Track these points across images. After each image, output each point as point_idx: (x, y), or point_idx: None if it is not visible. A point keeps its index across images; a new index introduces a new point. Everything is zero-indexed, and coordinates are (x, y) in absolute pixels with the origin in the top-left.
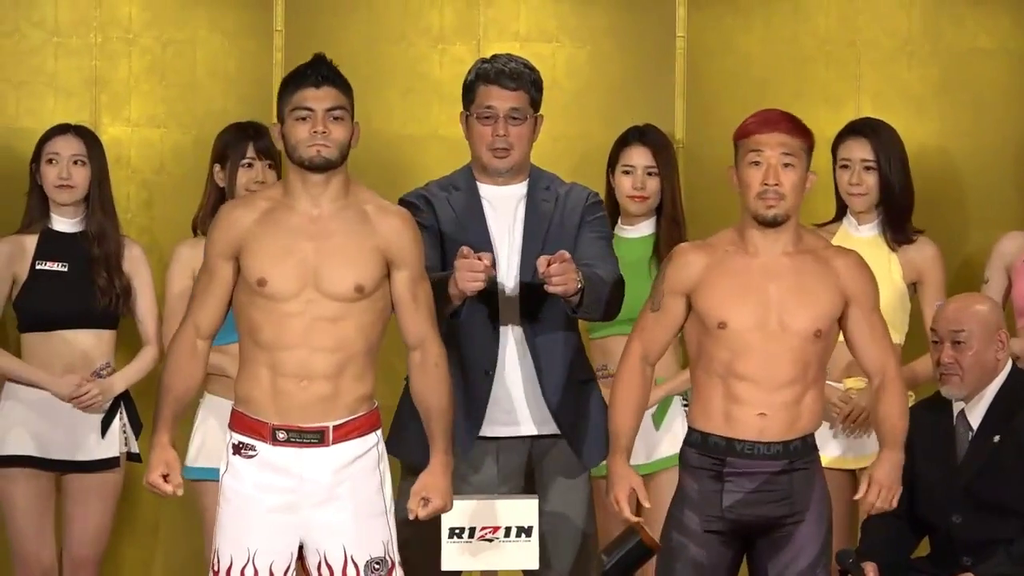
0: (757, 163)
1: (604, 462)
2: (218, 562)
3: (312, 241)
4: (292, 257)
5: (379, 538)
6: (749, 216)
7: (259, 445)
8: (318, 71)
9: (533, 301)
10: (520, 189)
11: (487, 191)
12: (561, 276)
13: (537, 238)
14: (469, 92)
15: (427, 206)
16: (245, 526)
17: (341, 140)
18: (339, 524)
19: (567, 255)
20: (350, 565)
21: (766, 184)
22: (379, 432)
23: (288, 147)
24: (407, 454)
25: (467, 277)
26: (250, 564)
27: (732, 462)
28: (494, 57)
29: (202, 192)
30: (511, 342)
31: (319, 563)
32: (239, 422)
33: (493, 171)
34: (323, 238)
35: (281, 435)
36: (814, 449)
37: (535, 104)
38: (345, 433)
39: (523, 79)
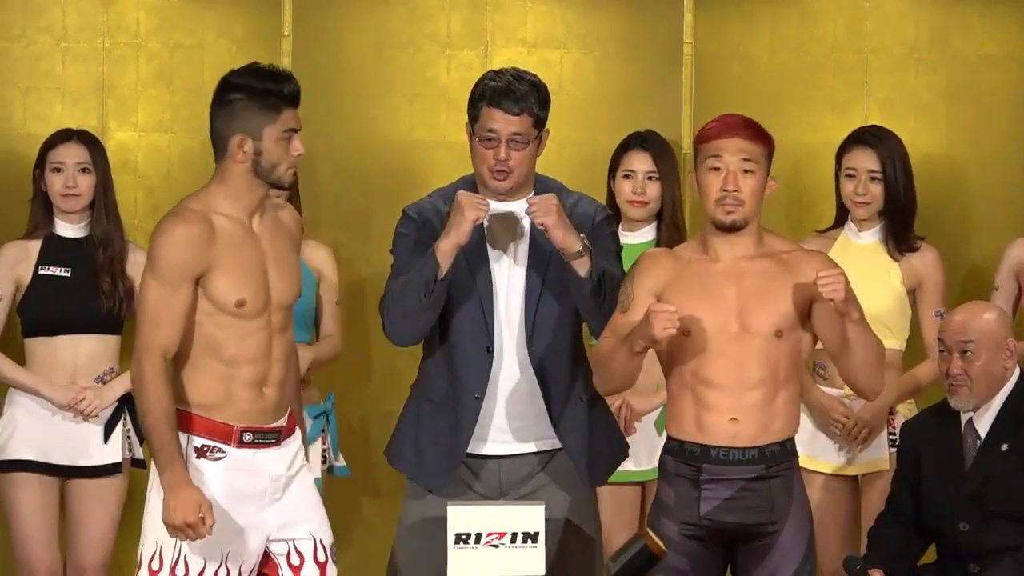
0: (716, 168)
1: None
2: (186, 566)
3: (261, 254)
4: (256, 273)
5: (328, 523)
6: (709, 221)
7: (226, 447)
8: (293, 87)
9: (539, 319)
10: (523, 205)
11: (491, 206)
12: (538, 207)
13: (542, 258)
14: (472, 109)
15: (426, 223)
16: (218, 529)
17: None
18: (304, 511)
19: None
20: (319, 548)
21: (725, 190)
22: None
23: (265, 164)
24: (407, 467)
25: (466, 206)
26: (223, 566)
27: (708, 469)
28: (501, 73)
29: None
30: (515, 361)
31: (288, 552)
32: (199, 425)
33: (493, 190)
34: (266, 250)
35: (248, 436)
36: (793, 455)
37: (540, 123)
38: (289, 430)
39: (527, 101)
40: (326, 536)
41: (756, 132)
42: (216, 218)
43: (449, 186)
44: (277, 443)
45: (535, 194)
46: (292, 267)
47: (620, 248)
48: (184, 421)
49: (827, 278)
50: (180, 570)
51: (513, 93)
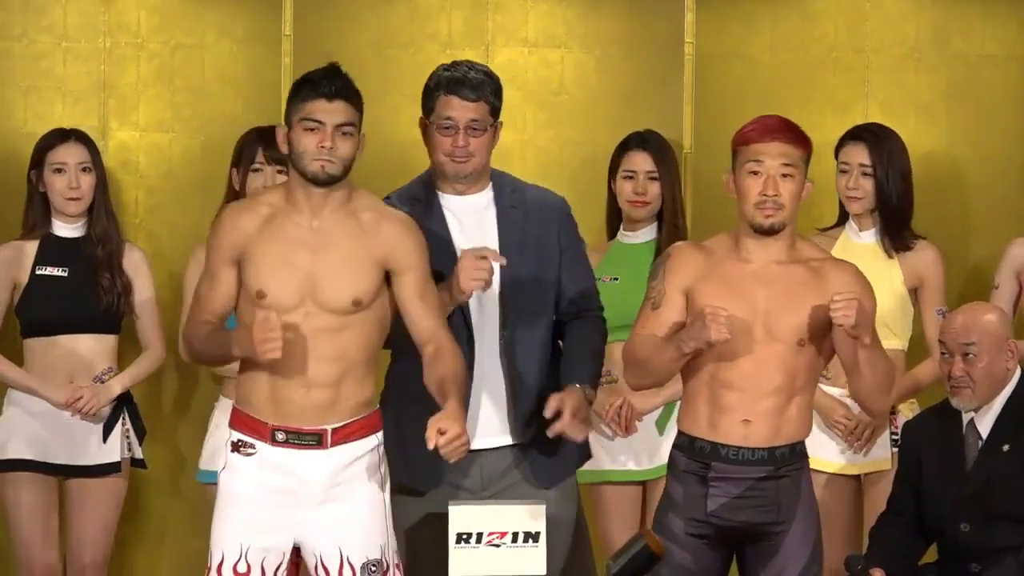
0: (756, 172)
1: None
2: (210, 558)
3: (311, 253)
4: (290, 269)
5: (376, 541)
6: (745, 223)
7: (259, 444)
8: (332, 83)
9: (513, 314)
10: (483, 198)
11: (450, 202)
12: (571, 430)
13: (513, 251)
14: (428, 99)
15: None
16: (239, 522)
17: (347, 156)
18: (335, 525)
19: (568, 420)
20: (346, 566)
21: (765, 194)
22: (380, 435)
23: (294, 154)
24: (398, 475)
25: (472, 276)
26: (243, 560)
27: (717, 467)
28: (455, 65)
29: (215, 196)
30: (495, 355)
31: (316, 564)
32: (238, 420)
33: (453, 177)
34: (322, 249)
35: (280, 436)
36: (803, 456)
37: (495, 112)
38: (344, 436)
39: (483, 89)
40: (357, 554)
41: (796, 135)
42: (266, 208)
43: (406, 186)
44: (319, 446)
45: (493, 188)
46: (348, 273)
47: (585, 247)
48: (231, 415)
49: (840, 302)
50: (207, 562)
51: (469, 81)
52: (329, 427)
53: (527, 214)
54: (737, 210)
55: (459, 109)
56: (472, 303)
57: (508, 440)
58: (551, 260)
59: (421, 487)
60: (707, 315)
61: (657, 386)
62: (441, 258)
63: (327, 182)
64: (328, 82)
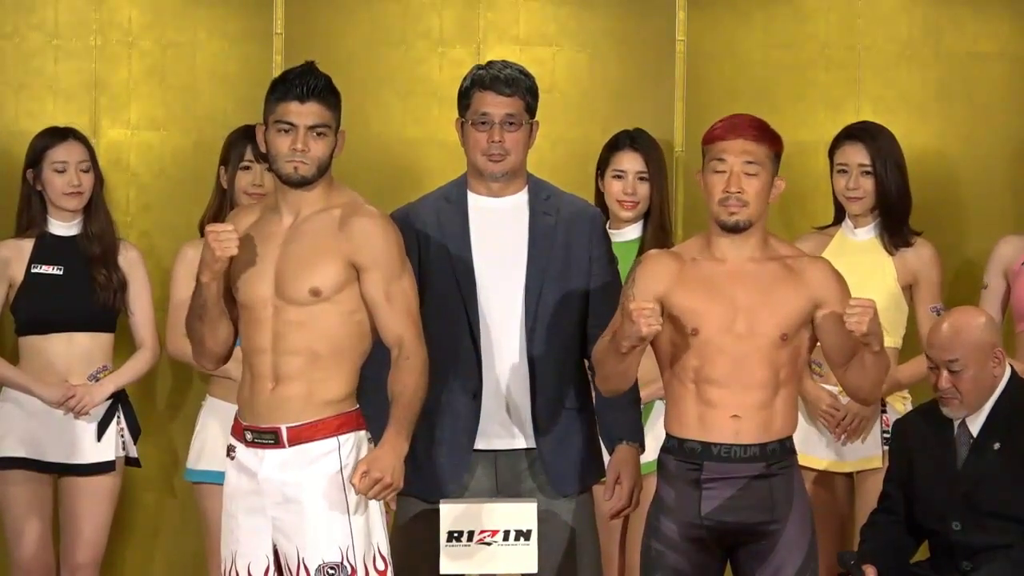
0: (720, 170)
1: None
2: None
3: (280, 248)
4: (260, 265)
5: (335, 543)
6: (714, 222)
7: (238, 447)
8: (305, 83)
9: (536, 318)
10: (518, 199)
11: (483, 203)
12: (624, 503)
13: (541, 257)
14: (464, 98)
15: (406, 222)
16: (228, 529)
17: (320, 157)
18: (293, 526)
19: (627, 500)
20: (301, 568)
21: (728, 191)
22: (347, 437)
23: (269, 155)
24: (415, 489)
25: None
26: (232, 567)
27: (709, 467)
28: (489, 64)
29: (206, 195)
30: (513, 358)
31: (283, 565)
32: (233, 424)
33: (489, 176)
34: (291, 244)
35: (249, 435)
36: (792, 453)
37: (531, 110)
38: (302, 435)
39: (519, 85)
40: (313, 556)
41: (762, 133)
42: (261, 208)
43: (443, 186)
44: (277, 445)
45: (529, 191)
46: (309, 265)
47: (615, 258)
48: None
49: (856, 308)
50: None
51: (504, 78)
52: (283, 425)
53: (559, 222)
54: (706, 209)
55: (494, 104)
56: (491, 306)
57: (523, 444)
58: (579, 269)
59: (444, 495)
60: (632, 312)
61: (619, 391)
62: (457, 259)
63: (300, 183)
64: (301, 83)
